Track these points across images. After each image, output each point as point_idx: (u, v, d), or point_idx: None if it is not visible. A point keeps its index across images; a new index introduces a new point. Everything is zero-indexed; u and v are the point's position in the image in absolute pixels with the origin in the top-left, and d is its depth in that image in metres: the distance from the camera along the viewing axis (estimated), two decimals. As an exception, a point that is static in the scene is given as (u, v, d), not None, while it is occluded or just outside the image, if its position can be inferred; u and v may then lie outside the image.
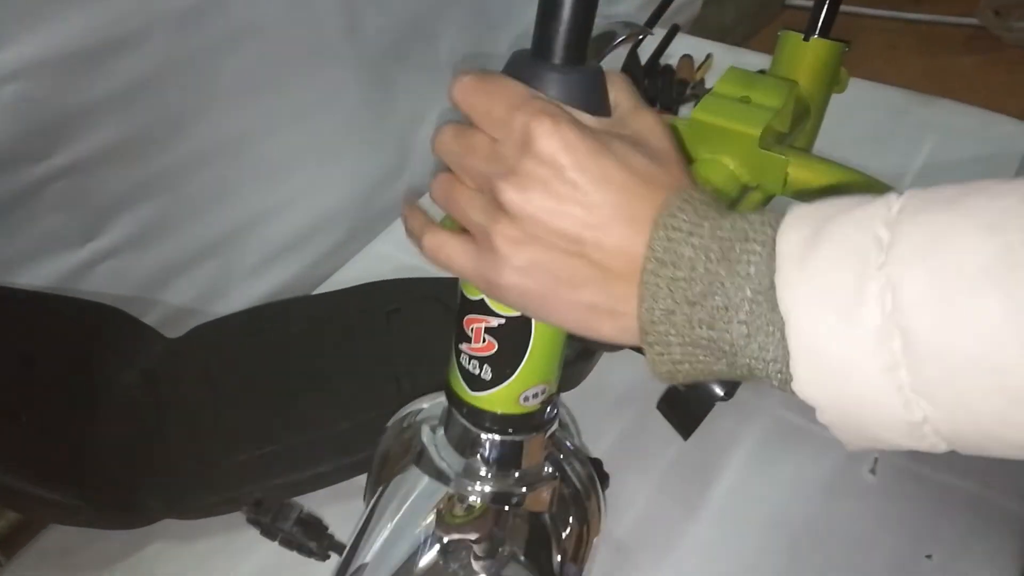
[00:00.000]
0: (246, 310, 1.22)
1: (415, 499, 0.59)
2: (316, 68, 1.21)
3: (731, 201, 0.84)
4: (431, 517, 0.58)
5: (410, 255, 0.55)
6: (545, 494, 0.60)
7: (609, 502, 1.00)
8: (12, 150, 0.92)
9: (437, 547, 0.59)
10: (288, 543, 0.73)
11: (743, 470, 1.04)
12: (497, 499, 0.59)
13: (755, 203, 0.84)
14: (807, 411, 0.41)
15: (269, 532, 0.76)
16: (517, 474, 0.59)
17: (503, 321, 0.54)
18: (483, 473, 0.59)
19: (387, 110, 1.31)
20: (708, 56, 1.66)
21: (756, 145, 0.82)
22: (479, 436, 0.58)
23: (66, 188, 1.00)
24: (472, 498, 0.58)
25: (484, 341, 0.55)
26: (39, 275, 1.03)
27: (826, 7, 0.97)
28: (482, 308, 0.53)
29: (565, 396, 1.01)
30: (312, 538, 0.71)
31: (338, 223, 1.34)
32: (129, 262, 1.11)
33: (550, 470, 0.61)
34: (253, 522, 0.77)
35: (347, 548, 0.59)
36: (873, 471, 1.03)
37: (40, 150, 0.95)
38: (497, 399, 0.57)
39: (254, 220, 1.23)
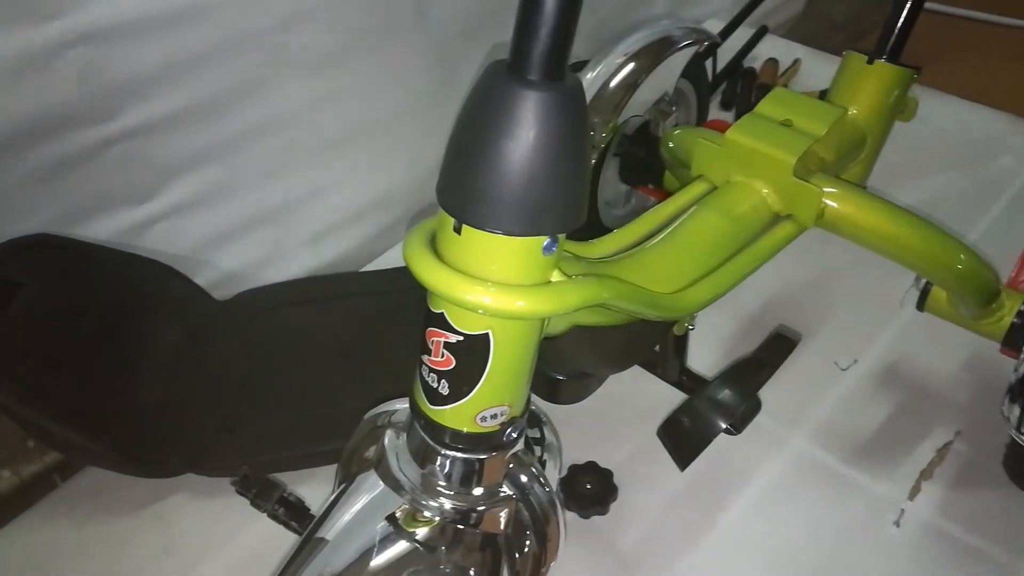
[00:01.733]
0: (294, 280, 1.25)
1: (372, 501, 0.60)
2: (384, 47, 1.22)
3: (759, 229, 0.81)
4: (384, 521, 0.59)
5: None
6: (501, 514, 0.60)
7: (617, 515, 0.99)
8: (77, 111, 0.97)
9: (391, 549, 0.59)
10: (274, 518, 0.76)
11: (758, 502, 1.00)
12: (450, 515, 0.59)
13: (786, 236, 0.80)
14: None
15: (256, 506, 0.79)
16: (474, 492, 0.59)
17: (461, 338, 0.54)
18: (439, 487, 0.59)
19: (451, 93, 1.31)
20: (796, 61, 1.59)
21: (790, 172, 0.78)
22: (437, 450, 0.58)
23: (128, 149, 1.05)
24: (426, 512, 0.58)
25: (443, 356, 0.55)
26: (99, 230, 1.08)
27: (897, 29, 0.91)
28: (442, 323, 0.53)
29: (581, 407, 1.00)
30: (292, 518, 0.73)
31: (394, 202, 1.35)
32: (186, 224, 1.15)
33: (509, 491, 0.61)
34: (241, 494, 0.79)
35: (310, 526, 0.61)
36: (898, 523, 0.98)
37: (104, 112, 1.00)
38: (454, 415, 0.57)
39: (312, 193, 1.26)
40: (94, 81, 0.97)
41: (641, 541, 0.97)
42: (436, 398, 0.57)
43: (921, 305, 1.01)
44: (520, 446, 0.61)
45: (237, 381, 1.06)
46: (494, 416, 0.57)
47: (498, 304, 0.50)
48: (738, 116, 1.52)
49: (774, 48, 1.64)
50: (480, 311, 0.51)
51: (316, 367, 1.08)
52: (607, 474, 1.00)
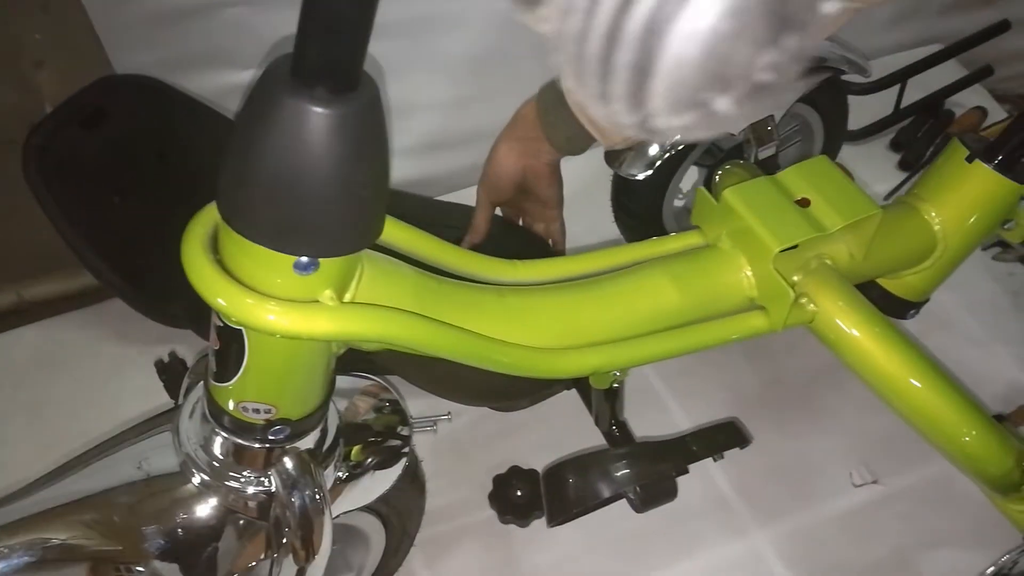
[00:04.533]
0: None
1: (155, 439, 0.61)
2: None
3: (724, 310, 0.70)
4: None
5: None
6: (251, 502, 0.59)
7: (545, 547, 0.94)
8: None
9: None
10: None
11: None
12: (206, 482, 0.58)
13: (751, 328, 0.69)
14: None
15: (168, 391, 0.82)
16: (231, 472, 0.58)
17: (221, 324, 0.51)
18: (211, 453, 0.59)
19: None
20: (1008, 118, 1.32)
21: (770, 261, 0.66)
22: (207, 418, 0.58)
23: (239, 15, 1.08)
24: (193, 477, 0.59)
25: (214, 335, 0.53)
26: (202, 82, 1.13)
27: (1014, 138, 0.73)
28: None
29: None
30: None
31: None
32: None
33: (271, 485, 0.59)
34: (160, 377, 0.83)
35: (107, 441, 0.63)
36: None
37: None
38: (221, 394, 0.56)
39: (411, 107, 1.24)
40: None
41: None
42: (212, 373, 0.55)
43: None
44: (302, 447, 0.59)
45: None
46: (256, 411, 0.55)
47: (231, 310, 0.48)
48: (903, 164, 1.31)
49: (989, 97, 1.37)
50: (216, 310, 0.48)
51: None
52: (533, 475, 0.94)
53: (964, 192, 0.75)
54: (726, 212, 0.70)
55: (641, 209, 1.05)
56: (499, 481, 0.91)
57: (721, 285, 0.70)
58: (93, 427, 0.93)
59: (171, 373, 0.83)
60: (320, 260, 0.47)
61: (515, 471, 0.92)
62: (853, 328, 0.68)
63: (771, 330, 0.69)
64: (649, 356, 0.67)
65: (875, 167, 1.31)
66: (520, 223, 0.92)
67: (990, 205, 0.75)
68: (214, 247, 0.49)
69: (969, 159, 0.74)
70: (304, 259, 0.47)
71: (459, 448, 1.02)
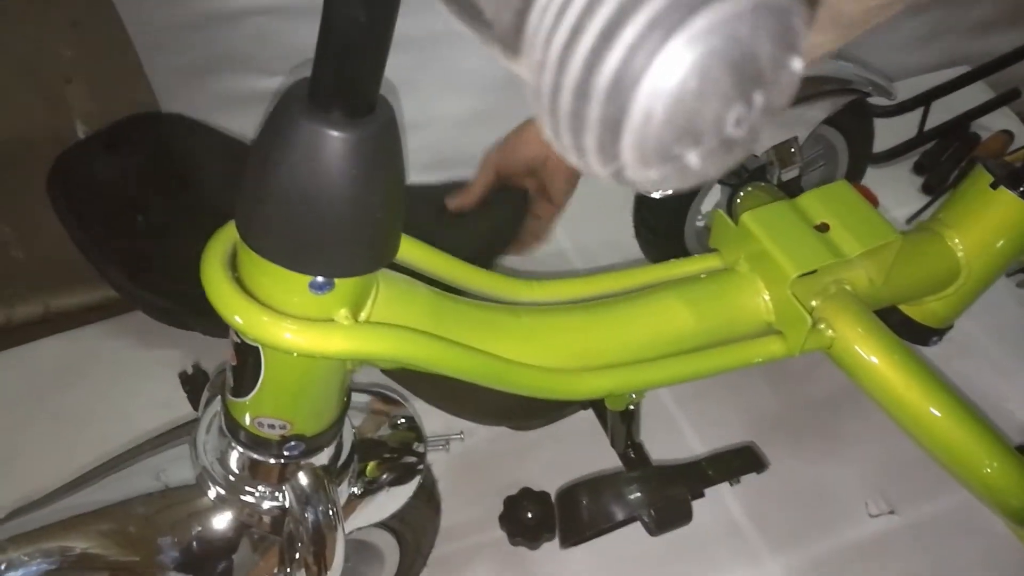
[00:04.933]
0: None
1: (174, 451, 0.62)
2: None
3: (741, 333, 0.70)
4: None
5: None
6: (266, 517, 0.59)
7: (557, 569, 0.94)
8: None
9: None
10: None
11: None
12: (221, 496, 0.59)
13: (768, 353, 0.69)
14: None
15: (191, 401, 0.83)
16: (246, 487, 0.58)
17: (238, 341, 0.52)
18: (227, 466, 0.59)
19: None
20: (1035, 144, 1.31)
21: (787, 286, 0.66)
22: (224, 432, 0.58)
23: (263, 24, 1.10)
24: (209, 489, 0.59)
25: (231, 350, 0.53)
26: (229, 86, 1.15)
27: (1040, 158, 0.72)
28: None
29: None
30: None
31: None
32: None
33: (285, 501, 0.59)
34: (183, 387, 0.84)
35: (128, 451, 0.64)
36: None
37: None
38: (237, 409, 0.56)
39: (431, 120, 1.25)
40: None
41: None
42: (228, 387, 0.56)
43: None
44: (317, 463, 0.59)
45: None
46: (271, 427, 0.56)
47: (247, 327, 0.48)
48: (926, 188, 1.30)
49: (1013, 126, 1.36)
50: (232, 327, 0.49)
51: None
52: (544, 497, 0.93)
53: (988, 218, 0.75)
54: (744, 235, 0.70)
55: (663, 226, 1.05)
56: (510, 502, 0.91)
57: (738, 309, 0.70)
58: (113, 437, 0.94)
59: (194, 384, 0.84)
60: (335, 280, 0.48)
61: (526, 492, 0.92)
62: (871, 355, 0.68)
63: (788, 355, 0.69)
64: (665, 379, 0.67)
65: (898, 190, 1.30)
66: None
67: (1015, 232, 0.74)
68: (233, 265, 0.50)
69: (994, 185, 0.73)
70: (320, 279, 0.47)
71: (472, 467, 1.02)
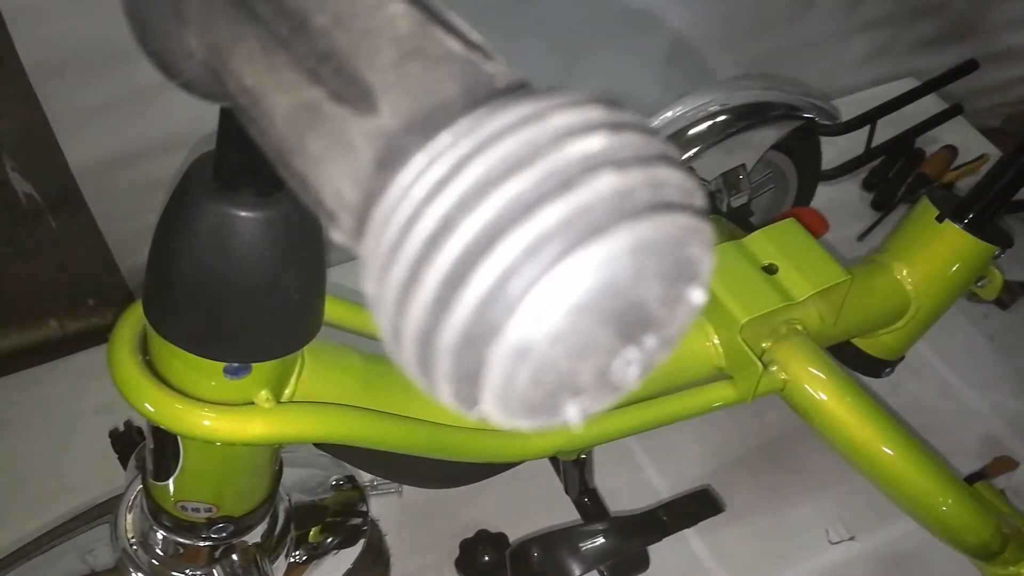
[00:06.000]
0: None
1: (91, 534, 0.58)
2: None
3: (690, 380, 0.68)
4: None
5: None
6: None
7: None
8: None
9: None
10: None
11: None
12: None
13: (719, 398, 0.67)
14: None
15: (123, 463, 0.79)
16: (174, 571, 0.55)
17: (150, 423, 0.49)
18: (151, 550, 0.56)
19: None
20: (980, 157, 1.31)
21: (737, 332, 0.64)
22: (147, 515, 0.55)
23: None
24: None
25: (149, 434, 0.50)
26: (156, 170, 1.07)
27: (988, 196, 0.71)
28: None
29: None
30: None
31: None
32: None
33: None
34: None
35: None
36: None
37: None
38: (159, 492, 0.53)
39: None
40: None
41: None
42: (148, 471, 0.52)
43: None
44: (249, 540, 0.56)
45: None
46: (196, 510, 0.52)
47: (159, 416, 0.45)
48: (875, 204, 1.30)
49: (962, 136, 1.37)
50: (143, 416, 0.45)
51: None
52: (502, 538, 0.90)
53: (935, 252, 0.74)
54: (691, 278, 0.68)
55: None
56: (465, 546, 0.88)
57: (688, 354, 0.68)
58: (50, 494, 0.90)
59: (125, 444, 0.80)
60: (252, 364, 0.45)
61: (482, 535, 0.89)
62: (823, 395, 0.66)
63: (740, 400, 0.67)
64: (613, 434, 0.65)
65: (849, 207, 1.29)
66: None
67: (961, 264, 0.73)
68: (144, 348, 0.47)
69: (939, 219, 0.72)
70: (234, 364, 0.44)
71: (426, 510, 0.99)
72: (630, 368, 0.23)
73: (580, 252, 0.20)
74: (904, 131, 1.30)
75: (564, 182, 0.20)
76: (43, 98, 0.94)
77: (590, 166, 0.20)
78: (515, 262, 0.20)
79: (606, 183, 0.20)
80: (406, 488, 1.01)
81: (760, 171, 1.06)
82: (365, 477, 0.96)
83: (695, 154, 0.93)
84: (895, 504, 0.70)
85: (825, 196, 1.24)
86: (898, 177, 1.29)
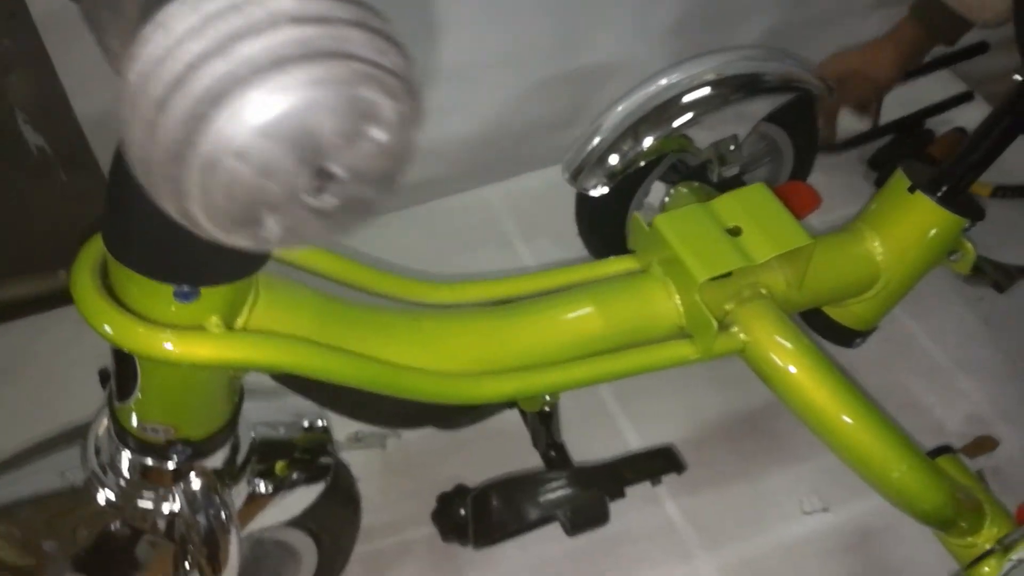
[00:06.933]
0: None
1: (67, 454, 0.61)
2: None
3: (651, 336, 0.69)
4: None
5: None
6: (159, 519, 0.59)
7: (490, 566, 0.94)
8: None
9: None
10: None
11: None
12: (111, 498, 0.59)
13: (678, 356, 0.68)
14: None
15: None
16: (133, 489, 0.58)
17: (114, 347, 0.51)
18: (118, 471, 0.59)
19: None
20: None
21: (695, 291, 0.65)
22: (113, 437, 0.58)
23: None
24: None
25: (112, 357, 0.53)
26: None
27: (963, 168, 0.71)
28: None
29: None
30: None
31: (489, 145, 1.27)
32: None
33: (175, 504, 0.59)
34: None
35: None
36: None
37: None
38: (123, 413, 0.56)
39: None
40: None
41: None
42: (113, 392, 0.55)
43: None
44: (209, 465, 0.59)
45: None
46: (155, 431, 0.55)
47: (115, 336, 0.48)
48: (879, 183, 1.29)
49: (976, 119, 1.34)
50: (101, 336, 0.48)
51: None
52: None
53: (907, 223, 0.74)
54: (657, 239, 0.69)
55: (604, 226, 1.04)
56: (443, 499, 0.90)
57: (650, 313, 0.69)
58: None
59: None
60: (201, 288, 0.47)
61: (460, 489, 0.92)
62: (782, 359, 0.68)
63: (700, 359, 0.68)
64: (569, 383, 0.66)
65: (852, 185, 1.29)
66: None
67: (933, 237, 0.73)
68: (105, 274, 0.50)
69: (911, 190, 0.72)
70: (185, 287, 0.47)
71: (406, 464, 1.01)
72: (327, 195, 0.28)
73: (260, 81, 0.26)
74: (915, 111, 1.30)
75: (253, 28, 0.26)
76: (52, 51, 0.98)
77: (276, 20, 0.26)
78: (208, 90, 0.26)
79: (287, 33, 0.26)
80: (390, 443, 1.04)
81: (755, 143, 1.06)
82: (349, 428, 0.99)
83: (688, 121, 0.93)
84: (850, 467, 0.71)
85: (830, 172, 1.24)
86: (905, 157, 1.28)
